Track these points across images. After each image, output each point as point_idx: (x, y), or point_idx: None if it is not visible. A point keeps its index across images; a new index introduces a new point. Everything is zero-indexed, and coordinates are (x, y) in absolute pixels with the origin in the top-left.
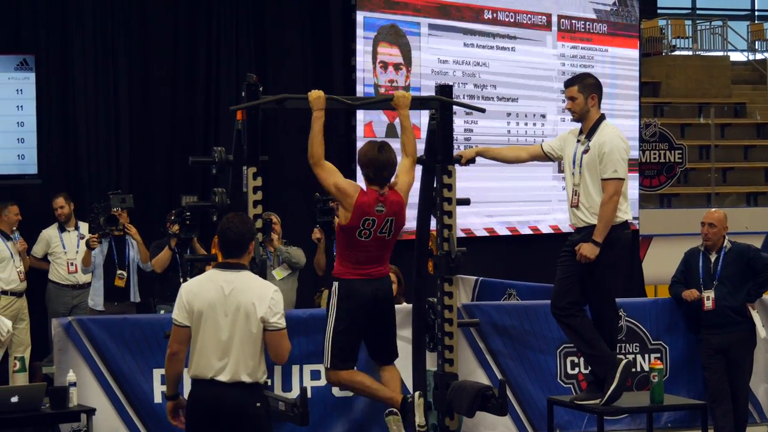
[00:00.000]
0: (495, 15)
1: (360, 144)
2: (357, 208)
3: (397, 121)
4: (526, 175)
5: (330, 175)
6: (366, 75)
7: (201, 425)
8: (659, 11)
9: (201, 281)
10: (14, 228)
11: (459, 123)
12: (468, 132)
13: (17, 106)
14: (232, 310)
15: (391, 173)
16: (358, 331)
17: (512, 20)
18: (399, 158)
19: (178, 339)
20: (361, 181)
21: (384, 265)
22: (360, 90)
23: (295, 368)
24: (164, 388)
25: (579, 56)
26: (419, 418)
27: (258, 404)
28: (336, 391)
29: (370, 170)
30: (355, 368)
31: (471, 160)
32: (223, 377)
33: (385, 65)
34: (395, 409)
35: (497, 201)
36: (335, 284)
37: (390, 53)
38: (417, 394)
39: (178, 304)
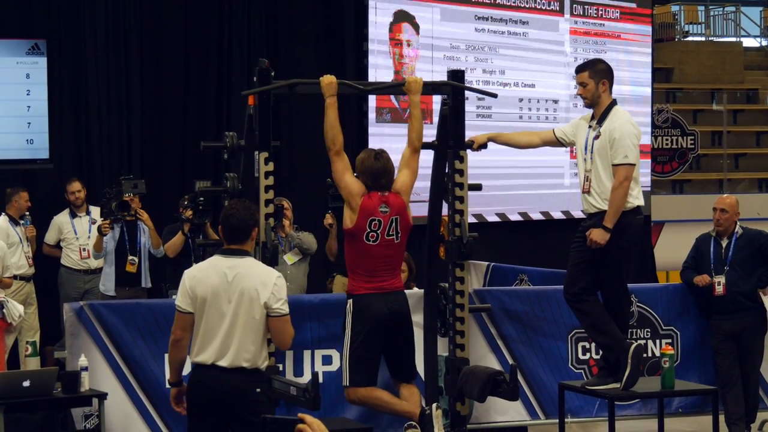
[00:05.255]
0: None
1: (371, 130)
2: (362, 209)
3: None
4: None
5: (345, 170)
6: (379, 56)
7: (201, 409)
8: None
9: (204, 267)
10: (25, 213)
11: (471, 108)
12: (480, 117)
13: (26, 91)
14: (236, 296)
15: (390, 180)
16: (375, 348)
17: (524, 5)
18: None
19: (182, 325)
20: None
21: (396, 276)
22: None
23: (307, 353)
24: None
25: (591, 41)
26: (438, 430)
27: (258, 390)
28: None
29: (367, 178)
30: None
31: (483, 146)
32: (224, 362)
33: (408, 44)
34: (414, 422)
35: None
36: (349, 301)
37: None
38: (435, 405)
39: (182, 290)
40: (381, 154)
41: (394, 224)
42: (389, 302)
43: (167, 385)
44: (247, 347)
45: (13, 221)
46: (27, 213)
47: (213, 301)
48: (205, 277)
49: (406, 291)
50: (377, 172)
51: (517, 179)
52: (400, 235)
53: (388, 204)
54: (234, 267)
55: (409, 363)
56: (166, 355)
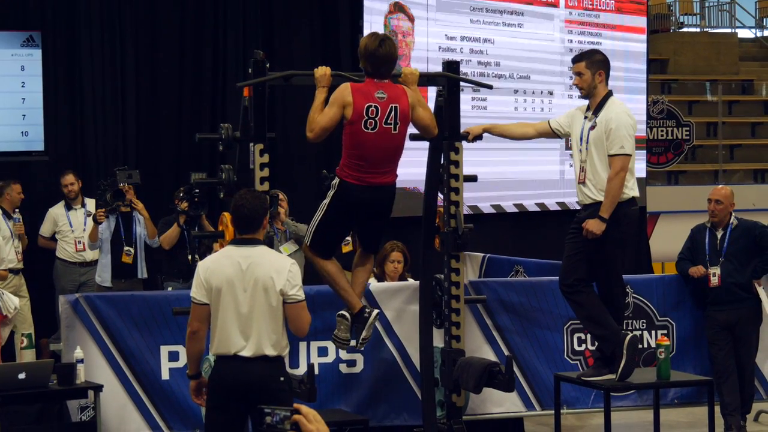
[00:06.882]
0: None
1: None
2: (355, 93)
3: None
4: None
5: (325, 115)
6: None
7: (223, 400)
8: None
9: (217, 258)
10: (17, 208)
11: (466, 100)
12: (475, 109)
13: (21, 83)
14: (251, 285)
15: (391, 69)
16: (345, 228)
17: None
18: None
19: (198, 317)
20: None
21: (390, 172)
22: None
23: (303, 345)
24: (172, 364)
25: (586, 32)
26: (365, 333)
27: (281, 378)
28: (343, 368)
29: (368, 63)
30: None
31: (478, 137)
32: (246, 352)
33: (403, 36)
34: (348, 315)
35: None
36: (336, 180)
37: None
38: (375, 312)
39: (196, 282)
40: (385, 40)
41: (392, 113)
42: (372, 195)
43: (164, 376)
44: (268, 335)
45: (6, 215)
46: (16, 210)
47: (228, 292)
48: (219, 267)
49: (402, 283)
50: (380, 59)
51: (515, 166)
52: (398, 126)
53: (385, 90)
54: (248, 256)
55: (376, 240)
56: (163, 347)
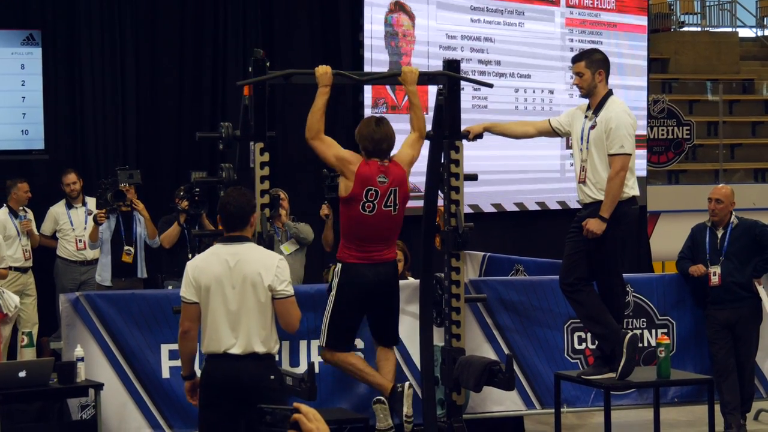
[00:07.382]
0: None
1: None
2: (359, 176)
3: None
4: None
5: (329, 147)
6: (375, 46)
7: (215, 399)
8: None
9: (205, 257)
10: (23, 206)
11: (466, 98)
12: (475, 107)
13: (21, 81)
14: (239, 282)
15: (390, 146)
16: (357, 315)
17: None
18: (406, 134)
19: (189, 316)
20: None
21: (390, 248)
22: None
23: (303, 343)
24: (172, 363)
25: (587, 32)
26: (407, 409)
27: (272, 377)
28: None
29: (368, 143)
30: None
31: (478, 136)
32: (236, 350)
33: (404, 34)
34: (383, 398)
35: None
36: (338, 266)
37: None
38: (407, 384)
39: (185, 281)
40: (381, 121)
41: (392, 196)
42: (377, 272)
43: (164, 374)
44: (257, 332)
45: (13, 213)
46: (22, 208)
47: (217, 289)
48: (208, 266)
49: (402, 282)
50: (379, 139)
51: (515, 165)
52: (398, 207)
53: (387, 174)
54: (235, 254)
55: (391, 331)
56: (163, 346)
